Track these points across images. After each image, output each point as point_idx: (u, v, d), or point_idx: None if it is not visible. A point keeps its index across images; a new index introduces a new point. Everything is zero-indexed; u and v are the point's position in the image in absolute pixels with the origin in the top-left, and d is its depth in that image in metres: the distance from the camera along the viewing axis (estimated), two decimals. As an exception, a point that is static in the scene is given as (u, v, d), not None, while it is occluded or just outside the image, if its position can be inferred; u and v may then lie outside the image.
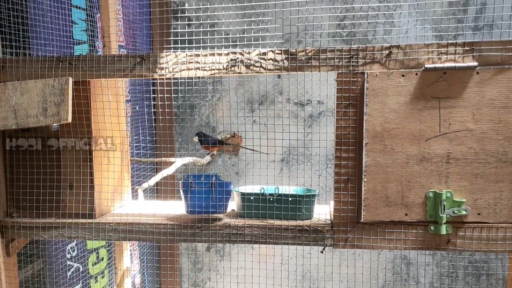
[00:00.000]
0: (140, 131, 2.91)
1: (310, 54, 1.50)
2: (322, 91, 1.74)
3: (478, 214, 1.45)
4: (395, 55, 1.45)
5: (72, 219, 1.66)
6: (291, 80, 2.81)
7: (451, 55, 1.43)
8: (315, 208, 1.68)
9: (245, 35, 1.89)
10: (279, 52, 1.51)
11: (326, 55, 1.49)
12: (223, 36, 1.96)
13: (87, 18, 2.42)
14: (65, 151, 1.67)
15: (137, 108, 2.88)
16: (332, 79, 1.53)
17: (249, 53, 1.52)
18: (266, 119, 3.08)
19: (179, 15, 2.25)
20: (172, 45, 1.73)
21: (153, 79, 1.61)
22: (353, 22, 2.96)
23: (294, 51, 1.50)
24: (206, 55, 1.54)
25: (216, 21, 3.00)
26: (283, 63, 1.51)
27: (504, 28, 1.67)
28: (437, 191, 1.45)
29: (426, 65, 1.42)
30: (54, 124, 1.66)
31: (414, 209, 1.47)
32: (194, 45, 1.66)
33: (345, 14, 3.03)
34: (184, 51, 1.56)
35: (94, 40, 2.48)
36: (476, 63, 1.40)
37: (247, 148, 2.11)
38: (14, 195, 1.70)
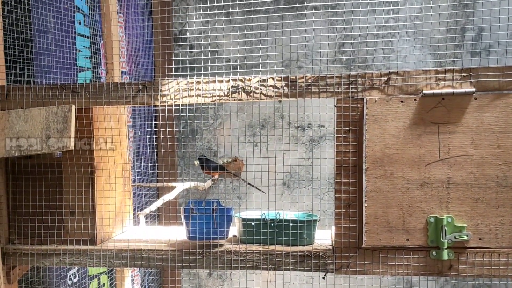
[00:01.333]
0: (142, 156, 2.92)
1: (309, 80, 1.52)
2: (322, 115, 1.76)
3: (480, 239, 1.45)
4: (394, 81, 1.47)
5: (74, 245, 1.65)
6: (292, 105, 2.83)
7: (449, 81, 1.45)
8: (316, 233, 1.67)
9: (246, 62, 1.92)
10: (279, 79, 1.53)
11: (326, 82, 1.51)
12: (224, 64, 1.99)
13: (91, 45, 2.46)
14: (67, 177, 1.68)
15: (139, 133, 2.90)
16: (332, 103, 1.54)
17: (249, 80, 1.54)
18: (267, 143, 3.10)
19: (181, 43, 2.29)
20: (174, 72, 1.75)
21: (155, 106, 1.64)
22: (352, 48, 3.00)
23: (294, 77, 1.52)
24: (207, 82, 1.57)
25: (217, 48, 3.05)
26: (283, 89, 1.53)
27: (501, 53, 1.70)
28: (438, 216, 1.45)
29: (425, 91, 1.44)
30: (58, 151, 1.68)
31: (416, 234, 1.47)
32: (195, 72, 1.69)
33: (344, 41, 3.07)
34: (186, 79, 1.58)
35: (97, 66, 2.51)
36: (474, 89, 1.42)
37: (244, 181, 2.12)
38: (16, 222, 1.71)
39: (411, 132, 1.46)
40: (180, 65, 1.98)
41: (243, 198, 3.18)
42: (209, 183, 2.64)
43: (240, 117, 3.05)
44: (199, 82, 1.57)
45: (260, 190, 1.84)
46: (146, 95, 1.59)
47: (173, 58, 1.99)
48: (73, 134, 1.53)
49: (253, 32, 2.23)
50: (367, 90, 1.49)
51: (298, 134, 3.27)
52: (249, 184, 2.10)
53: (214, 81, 1.56)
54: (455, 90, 1.43)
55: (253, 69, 1.84)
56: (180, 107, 2.18)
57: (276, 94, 1.54)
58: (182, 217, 1.62)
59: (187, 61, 1.99)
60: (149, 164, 2.99)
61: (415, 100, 1.45)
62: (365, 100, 1.48)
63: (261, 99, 1.54)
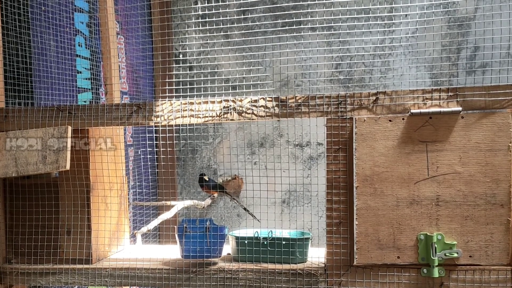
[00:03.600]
0: (143, 176, 2.95)
1: (299, 101, 1.55)
2: (320, 133, 1.78)
3: (470, 256, 1.45)
4: (382, 101, 1.50)
5: (69, 264, 1.68)
6: (290, 123, 2.86)
7: (436, 100, 1.47)
8: (310, 251, 1.69)
9: (244, 82, 1.95)
10: (270, 99, 1.56)
11: (315, 102, 1.54)
12: (223, 84, 2.02)
13: (91, 67, 2.52)
14: (63, 197, 1.71)
15: (139, 152, 2.94)
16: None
17: (241, 100, 1.58)
18: (266, 161, 3.12)
19: (181, 65, 2.33)
20: (174, 93, 1.79)
21: (149, 126, 1.67)
22: (349, 69, 3.03)
23: (285, 98, 1.56)
24: (200, 103, 1.60)
25: (216, 70, 3.10)
26: (274, 109, 1.56)
27: (496, 71, 1.72)
28: (428, 233, 1.46)
29: (412, 110, 1.47)
30: (55, 171, 1.71)
31: (406, 251, 1.48)
32: (195, 93, 1.72)
33: (341, 60, 3.11)
34: (179, 99, 1.62)
35: (97, 87, 2.56)
36: (460, 108, 1.44)
37: (241, 205, 2.15)
38: (13, 241, 1.74)
39: (400, 150, 1.48)
40: (181, 86, 2.02)
41: (243, 216, 3.20)
42: (208, 201, 2.66)
43: (239, 135, 3.08)
44: (192, 103, 1.61)
45: (254, 217, 1.86)
46: (141, 116, 1.63)
47: (173, 80, 2.03)
48: (69, 155, 1.57)
49: (252, 51, 2.27)
50: (356, 110, 1.52)
51: (297, 152, 3.29)
52: (244, 209, 2.13)
53: (206, 102, 1.60)
54: (442, 109, 1.45)
55: (251, 89, 1.88)
56: (180, 127, 2.21)
57: (267, 114, 1.57)
58: (176, 235, 1.65)
59: (187, 82, 2.03)
60: (150, 184, 3.02)
61: (403, 119, 1.48)
62: (354, 120, 1.50)
63: (252, 119, 1.58)
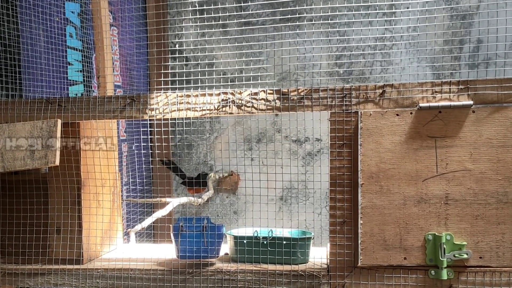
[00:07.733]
0: (137, 171, 2.87)
1: (302, 93, 1.47)
2: (320, 128, 1.71)
3: (480, 257, 1.39)
4: (389, 94, 1.43)
5: (59, 265, 1.60)
6: (289, 117, 2.78)
7: (446, 93, 1.40)
8: (311, 251, 1.62)
9: (243, 74, 1.87)
10: (271, 92, 1.49)
11: (319, 95, 1.46)
12: (220, 76, 1.95)
13: (83, 59, 2.43)
14: (53, 194, 1.63)
15: (133, 147, 2.85)
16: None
17: (240, 93, 1.50)
18: (264, 157, 3.05)
19: (177, 55, 2.25)
20: (170, 85, 1.71)
21: (144, 120, 1.60)
22: (350, 60, 2.96)
23: (286, 90, 1.48)
24: (197, 96, 1.52)
25: (213, 61, 3.01)
26: (275, 103, 1.48)
27: (500, 65, 1.65)
28: (436, 233, 1.39)
29: (421, 104, 1.39)
30: (44, 167, 1.63)
31: (413, 252, 1.41)
32: (192, 85, 1.64)
33: (342, 53, 3.03)
34: (175, 92, 1.54)
35: (89, 80, 2.48)
36: (471, 102, 1.37)
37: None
38: (0, 240, 1.65)
39: (407, 146, 1.41)
40: (176, 78, 1.94)
41: (240, 214, 3.12)
42: (204, 198, 2.59)
43: (236, 130, 3.01)
44: (188, 96, 1.53)
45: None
46: (134, 109, 1.55)
47: (169, 71, 1.95)
48: (58, 150, 1.49)
49: (249, 43, 2.19)
50: (362, 103, 1.44)
51: (296, 148, 3.22)
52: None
53: (204, 94, 1.52)
54: (452, 103, 1.38)
55: (251, 81, 1.80)
56: (176, 121, 2.13)
57: (268, 107, 1.49)
58: (172, 235, 1.57)
59: (183, 74, 1.95)
60: (144, 181, 2.94)
61: (411, 113, 1.40)
62: (359, 114, 1.43)
63: (252, 112, 1.50)
